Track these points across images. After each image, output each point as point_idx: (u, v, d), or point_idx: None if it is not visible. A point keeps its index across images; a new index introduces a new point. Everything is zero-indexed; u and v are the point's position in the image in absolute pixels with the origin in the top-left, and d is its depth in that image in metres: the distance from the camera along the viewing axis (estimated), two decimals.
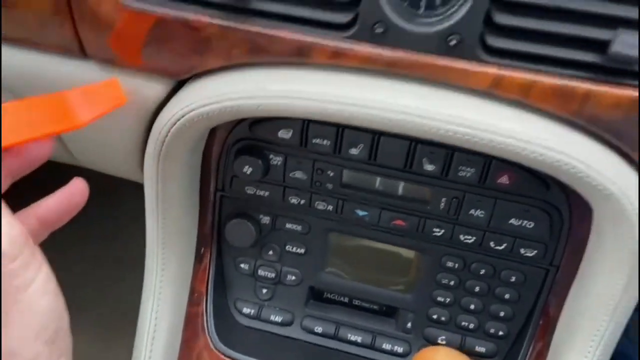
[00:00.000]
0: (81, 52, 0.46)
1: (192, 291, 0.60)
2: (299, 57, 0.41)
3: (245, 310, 0.61)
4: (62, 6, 0.44)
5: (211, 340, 0.59)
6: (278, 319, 0.61)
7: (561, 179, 0.40)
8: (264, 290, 0.61)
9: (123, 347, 0.65)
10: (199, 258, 0.60)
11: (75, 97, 0.40)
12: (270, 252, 0.59)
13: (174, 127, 0.45)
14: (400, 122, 0.39)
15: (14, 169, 0.38)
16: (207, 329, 0.59)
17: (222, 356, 0.58)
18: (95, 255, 1.12)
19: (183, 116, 0.44)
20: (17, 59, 0.48)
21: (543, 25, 0.37)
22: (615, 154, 0.40)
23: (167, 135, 0.46)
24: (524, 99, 0.39)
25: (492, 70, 0.38)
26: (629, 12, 0.35)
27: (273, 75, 0.42)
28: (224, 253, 0.61)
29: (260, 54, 0.41)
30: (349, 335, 0.60)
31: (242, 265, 0.61)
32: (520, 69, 0.38)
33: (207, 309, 0.60)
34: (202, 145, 0.53)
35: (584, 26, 0.36)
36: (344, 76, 0.41)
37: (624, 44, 0.35)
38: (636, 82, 0.37)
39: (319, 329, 0.60)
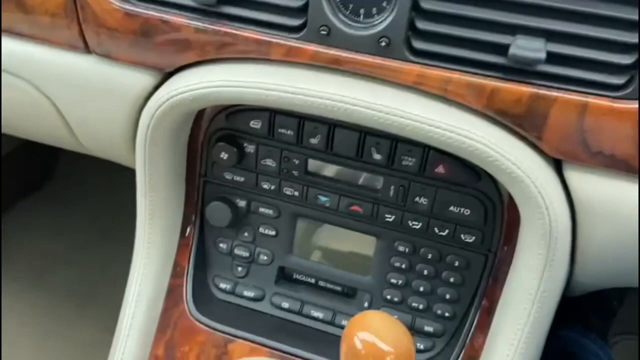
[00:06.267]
0: (85, 48, 0.55)
1: (175, 265, 0.68)
2: (258, 53, 0.49)
3: (222, 285, 0.68)
4: (70, 10, 0.53)
5: (188, 309, 0.66)
6: (250, 294, 0.68)
7: (475, 162, 0.47)
8: (239, 269, 0.68)
9: None
10: (183, 236, 0.68)
11: None
12: (246, 234, 0.67)
13: (158, 111, 0.53)
14: (341, 110, 0.47)
15: None
16: (186, 299, 0.67)
17: (197, 323, 0.65)
18: (110, 255, 1.22)
19: (165, 102, 0.53)
20: (32, 52, 0.57)
21: (457, 31, 0.44)
22: (523, 143, 0.46)
23: (152, 118, 0.54)
24: (443, 93, 0.46)
25: (416, 68, 0.45)
26: (527, 20, 0.42)
27: (238, 69, 0.50)
28: (205, 234, 0.68)
29: (228, 50, 0.49)
30: (312, 312, 0.66)
31: (221, 245, 0.68)
32: (440, 68, 0.45)
33: (187, 281, 0.67)
34: (186, 133, 0.61)
35: (490, 32, 0.43)
36: (295, 71, 0.49)
37: (520, 47, 0.41)
38: (534, 81, 0.43)
39: (285, 305, 0.67)
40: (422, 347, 0.62)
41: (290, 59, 0.48)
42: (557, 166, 0.48)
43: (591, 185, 0.47)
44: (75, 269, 1.24)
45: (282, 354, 0.63)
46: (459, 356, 0.60)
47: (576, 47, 0.41)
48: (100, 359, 0.66)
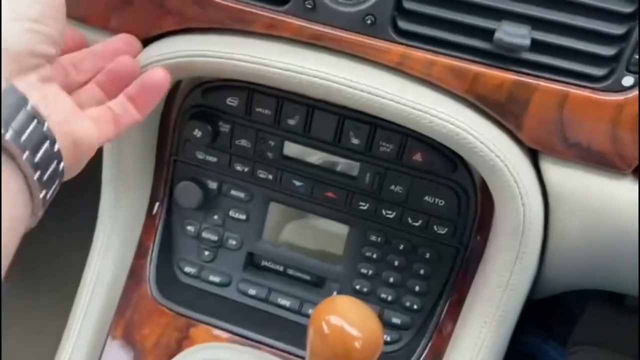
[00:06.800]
0: None
1: (140, 244, 0.65)
2: (240, 24, 0.47)
3: (187, 269, 0.66)
4: None
5: (150, 291, 0.64)
6: (216, 279, 0.66)
7: (454, 147, 0.47)
8: (206, 252, 0.66)
9: None
10: (150, 216, 0.66)
11: None
12: (215, 217, 0.65)
13: None
14: (322, 88, 0.46)
15: None
16: (149, 280, 0.64)
17: (159, 305, 0.63)
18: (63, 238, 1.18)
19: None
20: None
21: (443, 13, 0.43)
22: (502, 132, 0.46)
23: None
24: (426, 77, 0.45)
25: (400, 48, 0.45)
26: (514, 6, 0.42)
27: (218, 39, 0.48)
28: (173, 214, 0.66)
29: (208, 20, 0.47)
30: (279, 299, 0.65)
31: (188, 227, 0.66)
32: (424, 50, 0.45)
33: (152, 262, 0.65)
34: (159, 106, 0.59)
35: (476, 16, 0.43)
36: (276, 45, 0.47)
37: (506, 32, 0.41)
38: (517, 68, 0.43)
39: (252, 292, 0.65)
40: (388, 338, 0.62)
41: (273, 32, 0.47)
42: (534, 158, 0.48)
43: (566, 179, 0.47)
44: (27, 250, 1.20)
45: (246, 340, 0.62)
46: (425, 348, 0.59)
47: (560, 36, 0.42)
48: (54, 338, 0.63)
